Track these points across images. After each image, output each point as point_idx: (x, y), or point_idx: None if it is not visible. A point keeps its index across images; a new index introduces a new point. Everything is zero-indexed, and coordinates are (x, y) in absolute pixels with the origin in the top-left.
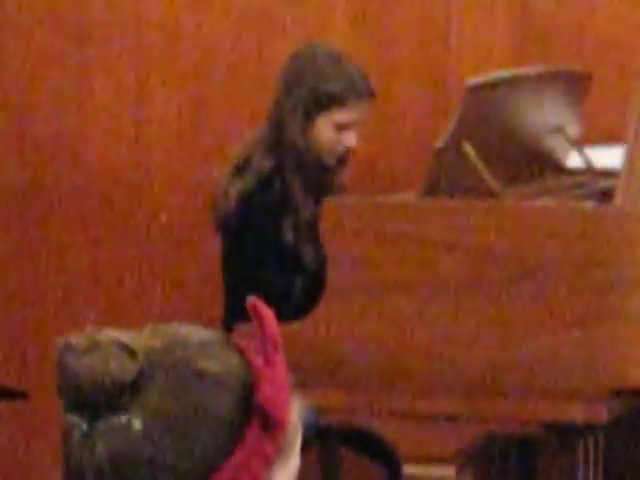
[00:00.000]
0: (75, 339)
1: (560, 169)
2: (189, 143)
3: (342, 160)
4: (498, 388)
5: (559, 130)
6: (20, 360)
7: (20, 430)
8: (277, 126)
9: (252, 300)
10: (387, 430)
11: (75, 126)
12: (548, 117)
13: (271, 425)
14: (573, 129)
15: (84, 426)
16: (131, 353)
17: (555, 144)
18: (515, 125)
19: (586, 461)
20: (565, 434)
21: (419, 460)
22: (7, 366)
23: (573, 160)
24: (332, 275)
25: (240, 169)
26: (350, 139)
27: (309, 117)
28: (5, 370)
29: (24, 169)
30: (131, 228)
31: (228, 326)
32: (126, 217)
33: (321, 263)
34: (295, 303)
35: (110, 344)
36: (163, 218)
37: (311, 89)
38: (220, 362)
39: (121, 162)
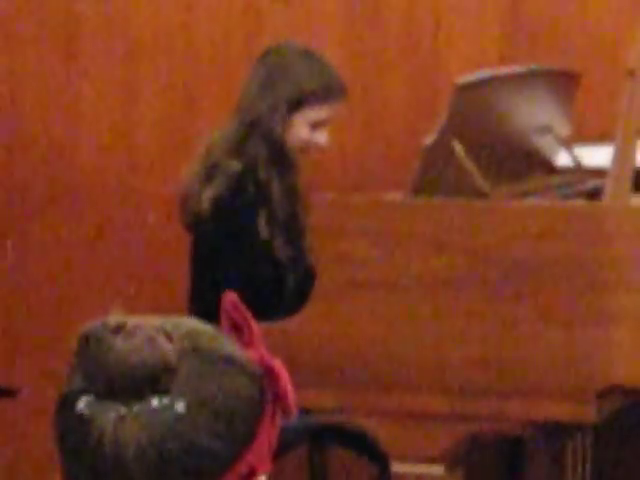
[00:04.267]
0: (117, 321)
1: (549, 168)
2: (178, 143)
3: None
4: (487, 387)
5: (548, 129)
6: (8, 358)
7: (7, 429)
8: (252, 122)
9: (231, 297)
10: (376, 428)
11: (64, 128)
12: (537, 116)
13: (286, 415)
14: (562, 128)
15: (122, 409)
16: (168, 337)
17: (544, 143)
18: (504, 124)
19: (575, 461)
20: (554, 434)
21: (408, 459)
22: None
23: (562, 159)
24: (322, 273)
25: (209, 172)
26: (323, 137)
27: (289, 114)
28: None
29: (13, 171)
30: (119, 228)
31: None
32: (114, 217)
33: (297, 260)
34: (287, 299)
35: (150, 327)
36: (151, 218)
37: (295, 86)
38: (238, 349)
39: (109, 163)
